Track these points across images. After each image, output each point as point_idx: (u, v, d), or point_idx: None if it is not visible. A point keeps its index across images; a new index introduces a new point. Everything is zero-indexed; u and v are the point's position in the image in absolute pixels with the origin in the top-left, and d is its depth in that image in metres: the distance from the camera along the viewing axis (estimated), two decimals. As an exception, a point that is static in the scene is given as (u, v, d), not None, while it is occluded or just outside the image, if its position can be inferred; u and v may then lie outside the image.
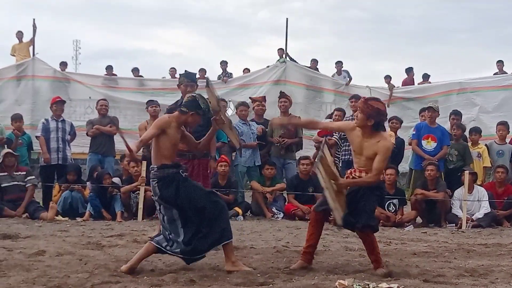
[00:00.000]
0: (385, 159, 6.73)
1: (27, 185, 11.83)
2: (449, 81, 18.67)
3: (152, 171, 6.73)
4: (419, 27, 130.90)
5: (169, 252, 6.62)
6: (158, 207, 6.79)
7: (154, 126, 6.75)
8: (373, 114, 6.67)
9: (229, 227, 6.75)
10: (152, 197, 6.93)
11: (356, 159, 6.93)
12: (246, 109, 13.24)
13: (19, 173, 11.96)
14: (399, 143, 12.88)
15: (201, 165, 8.71)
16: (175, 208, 6.61)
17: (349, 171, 6.96)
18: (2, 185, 11.78)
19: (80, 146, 14.21)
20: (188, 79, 8.98)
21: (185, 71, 9.17)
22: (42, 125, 12.86)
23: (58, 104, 13.01)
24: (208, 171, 8.89)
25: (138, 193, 11.57)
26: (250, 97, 14.43)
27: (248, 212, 12.59)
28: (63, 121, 12.99)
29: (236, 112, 13.55)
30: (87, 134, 13.26)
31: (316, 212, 6.99)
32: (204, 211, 6.61)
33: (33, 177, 12.16)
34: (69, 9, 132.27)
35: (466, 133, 13.49)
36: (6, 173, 11.85)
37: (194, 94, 7.09)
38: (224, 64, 20.07)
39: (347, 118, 13.04)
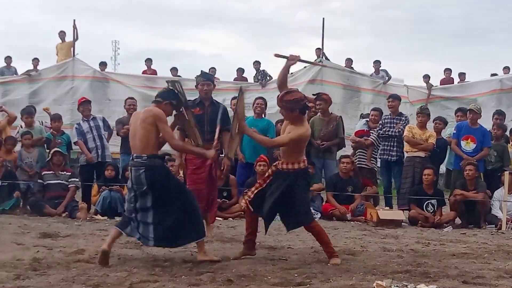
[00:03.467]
0: (291, 139, 7.12)
1: (69, 185, 12.01)
2: (489, 78, 18.50)
3: (138, 160, 6.95)
4: (459, 27, 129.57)
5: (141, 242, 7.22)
6: (130, 196, 7.08)
7: (165, 121, 6.99)
8: (293, 106, 7.10)
9: (202, 226, 7.18)
10: (132, 185, 7.03)
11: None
12: None
13: (64, 173, 12.16)
14: (442, 144, 12.75)
15: (214, 162, 8.90)
16: (153, 196, 6.91)
17: (274, 165, 7.47)
18: (45, 183, 11.98)
19: (119, 146, 14.28)
20: (204, 78, 9.30)
21: (201, 71, 9.51)
22: (75, 130, 12.93)
23: (83, 105, 13.07)
24: (222, 169, 9.06)
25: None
26: None
27: (286, 212, 12.56)
28: (94, 118, 13.04)
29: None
30: (117, 134, 13.31)
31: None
32: (185, 207, 6.97)
33: (77, 179, 12.34)
34: (108, 10, 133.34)
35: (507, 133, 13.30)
36: (51, 172, 12.06)
37: (170, 86, 7.41)
38: (257, 64, 20.04)
39: (385, 118, 12.96)
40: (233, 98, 13.60)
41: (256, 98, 13.23)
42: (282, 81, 7.43)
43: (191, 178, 8.98)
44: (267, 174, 7.41)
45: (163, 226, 6.91)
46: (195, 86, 9.45)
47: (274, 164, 7.47)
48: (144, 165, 6.88)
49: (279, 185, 7.16)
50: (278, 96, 7.27)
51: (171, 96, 7.19)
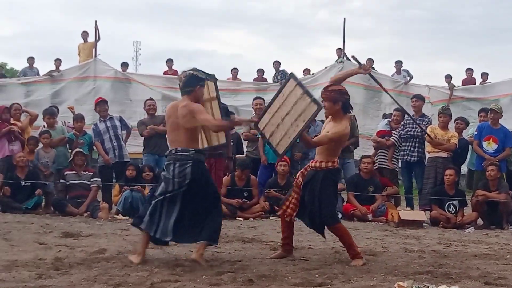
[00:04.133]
0: (330, 139, 7.07)
1: (91, 185, 12.09)
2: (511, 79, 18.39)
3: (184, 153, 6.94)
4: (481, 26, 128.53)
5: (158, 240, 7.08)
6: (163, 189, 7.00)
7: (202, 111, 6.91)
8: (337, 97, 7.07)
9: (219, 231, 7.12)
10: (172, 179, 6.95)
11: None
12: None
13: (87, 173, 12.22)
14: (463, 144, 12.69)
15: (217, 165, 8.77)
16: (183, 193, 6.89)
17: (307, 165, 7.40)
18: (68, 182, 12.07)
19: (140, 146, 14.34)
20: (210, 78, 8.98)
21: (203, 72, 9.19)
22: (93, 131, 13.08)
23: (100, 105, 13.12)
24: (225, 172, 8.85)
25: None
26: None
27: (306, 212, 12.53)
28: (111, 118, 13.10)
29: None
30: (141, 134, 13.33)
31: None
32: (207, 205, 6.97)
33: (99, 179, 12.36)
34: (130, 10, 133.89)
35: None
36: (74, 172, 12.14)
37: (189, 71, 7.19)
38: (277, 64, 20.06)
39: (408, 118, 12.90)
40: (255, 99, 13.56)
41: None
42: (338, 81, 7.35)
43: None
44: (298, 183, 7.32)
45: (185, 223, 6.95)
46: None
47: (305, 167, 7.45)
48: (192, 159, 6.91)
49: (310, 187, 7.15)
50: (325, 87, 7.23)
51: (198, 80, 7.15)
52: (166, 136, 7.29)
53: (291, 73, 7.26)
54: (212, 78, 7.50)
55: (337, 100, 7.06)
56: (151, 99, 13.86)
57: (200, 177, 6.96)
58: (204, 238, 6.94)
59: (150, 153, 13.08)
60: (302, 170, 7.45)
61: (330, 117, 7.25)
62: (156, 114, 13.48)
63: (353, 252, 7.09)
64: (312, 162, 7.27)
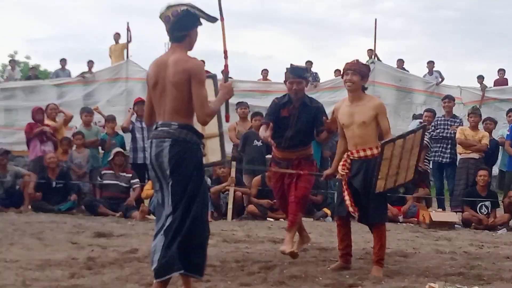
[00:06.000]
0: (386, 116, 6.68)
1: (134, 186, 12.16)
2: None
3: (167, 128, 4.99)
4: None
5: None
6: (157, 185, 5.09)
7: (202, 80, 4.97)
8: (366, 72, 6.74)
9: (204, 263, 5.21)
10: (153, 168, 5.05)
11: (349, 133, 6.69)
12: None
13: (125, 174, 12.26)
14: (493, 145, 12.60)
15: (307, 167, 7.32)
16: (173, 188, 4.93)
17: (346, 155, 6.68)
18: (104, 182, 12.19)
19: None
20: (293, 75, 7.19)
21: (291, 64, 7.32)
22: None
23: (138, 105, 13.18)
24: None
25: (228, 193, 11.68)
26: None
27: (337, 213, 12.49)
28: None
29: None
30: None
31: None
32: (195, 219, 4.94)
33: (138, 180, 12.31)
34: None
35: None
36: (112, 171, 12.21)
37: (181, 7, 5.02)
38: (309, 63, 19.93)
39: (438, 119, 12.84)
40: None
41: None
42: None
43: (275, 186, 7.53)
44: (342, 175, 6.68)
45: (175, 238, 4.92)
46: (284, 81, 7.41)
47: (346, 154, 6.67)
48: (171, 136, 4.95)
49: (359, 178, 6.57)
50: (353, 61, 6.72)
51: (195, 19, 5.11)
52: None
53: (383, 142, 6.40)
54: (213, 20, 5.25)
55: (365, 75, 6.69)
56: None
57: (185, 165, 4.91)
58: (185, 268, 5.03)
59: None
60: (342, 163, 6.68)
61: (348, 100, 6.72)
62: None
63: (382, 256, 6.58)
64: (354, 152, 6.61)
